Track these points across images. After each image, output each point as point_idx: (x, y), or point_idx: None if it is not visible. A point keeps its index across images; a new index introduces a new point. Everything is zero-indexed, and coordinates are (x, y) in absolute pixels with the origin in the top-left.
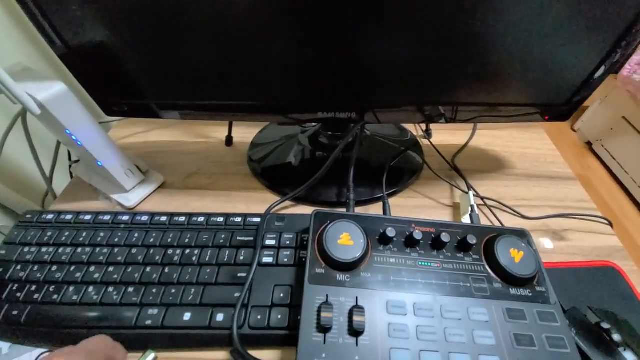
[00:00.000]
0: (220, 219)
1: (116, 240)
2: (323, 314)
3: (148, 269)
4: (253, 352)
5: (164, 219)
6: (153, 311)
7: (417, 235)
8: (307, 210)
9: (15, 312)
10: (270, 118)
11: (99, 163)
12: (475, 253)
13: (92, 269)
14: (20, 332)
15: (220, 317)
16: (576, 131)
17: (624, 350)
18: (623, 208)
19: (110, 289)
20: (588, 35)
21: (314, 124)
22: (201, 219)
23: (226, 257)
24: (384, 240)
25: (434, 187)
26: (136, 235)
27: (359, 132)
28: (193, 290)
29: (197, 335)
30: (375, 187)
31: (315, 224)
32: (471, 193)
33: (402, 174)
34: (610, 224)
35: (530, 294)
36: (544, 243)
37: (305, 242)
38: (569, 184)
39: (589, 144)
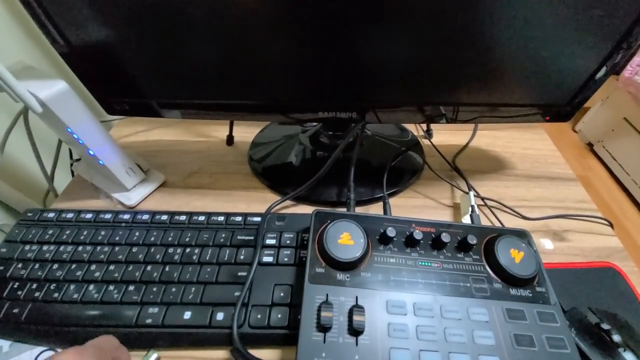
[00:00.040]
0: (221, 218)
1: (117, 238)
2: (323, 314)
3: (149, 267)
4: (253, 351)
5: (164, 217)
6: (153, 310)
7: (418, 235)
8: (307, 209)
9: (16, 310)
10: (271, 117)
11: (100, 161)
12: (476, 253)
13: (93, 267)
14: (20, 330)
15: (220, 316)
16: (577, 132)
17: (624, 350)
18: (623, 209)
19: (111, 287)
20: (589, 36)
21: (314, 124)
22: (202, 218)
23: (226, 256)
24: (384, 240)
25: (435, 187)
26: (137, 234)
27: (360, 131)
28: (193, 289)
29: (198, 334)
30: (376, 187)
31: (315, 223)
32: (472, 193)
33: (403, 174)
34: (611, 225)
35: (530, 295)
36: (544, 243)
37: (305, 242)
38: (569, 184)
39: (590, 145)
